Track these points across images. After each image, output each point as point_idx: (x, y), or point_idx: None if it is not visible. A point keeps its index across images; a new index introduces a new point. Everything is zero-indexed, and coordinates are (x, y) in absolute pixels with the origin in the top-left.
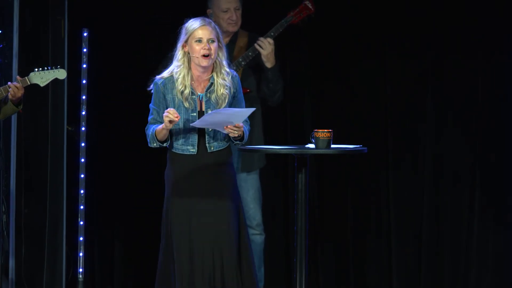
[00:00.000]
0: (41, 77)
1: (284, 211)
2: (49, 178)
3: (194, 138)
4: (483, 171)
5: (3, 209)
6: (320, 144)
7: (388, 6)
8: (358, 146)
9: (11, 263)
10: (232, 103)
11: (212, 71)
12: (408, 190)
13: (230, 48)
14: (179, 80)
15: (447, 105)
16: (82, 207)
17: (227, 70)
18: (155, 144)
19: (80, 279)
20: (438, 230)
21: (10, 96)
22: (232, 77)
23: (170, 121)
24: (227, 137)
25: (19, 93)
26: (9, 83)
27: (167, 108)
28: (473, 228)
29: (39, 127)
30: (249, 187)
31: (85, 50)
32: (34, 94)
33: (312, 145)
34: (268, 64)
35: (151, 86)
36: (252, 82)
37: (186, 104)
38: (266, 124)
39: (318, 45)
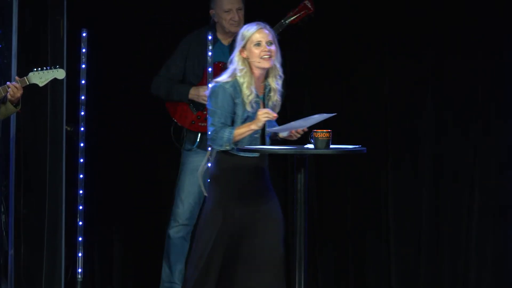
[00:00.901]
0: (40, 77)
1: (283, 212)
2: (48, 178)
3: (257, 141)
4: (482, 171)
5: (2, 209)
6: (319, 144)
7: (388, 6)
8: (357, 146)
9: (10, 263)
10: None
11: (266, 76)
12: (408, 190)
13: (232, 48)
14: (245, 84)
15: (447, 105)
16: (81, 207)
17: (281, 74)
18: (228, 147)
19: (79, 279)
20: (437, 230)
21: (9, 96)
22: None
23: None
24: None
25: (18, 93)
26: (8, 83)
27: (234, 112)
28: (472, 228)
29: (38, 127)
30: None
31: (84, 50)
32: (33, 94)
33: (311, 145)
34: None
35: (213, 89)
36: None
37: (249, 108)
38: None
39: (318, 45)
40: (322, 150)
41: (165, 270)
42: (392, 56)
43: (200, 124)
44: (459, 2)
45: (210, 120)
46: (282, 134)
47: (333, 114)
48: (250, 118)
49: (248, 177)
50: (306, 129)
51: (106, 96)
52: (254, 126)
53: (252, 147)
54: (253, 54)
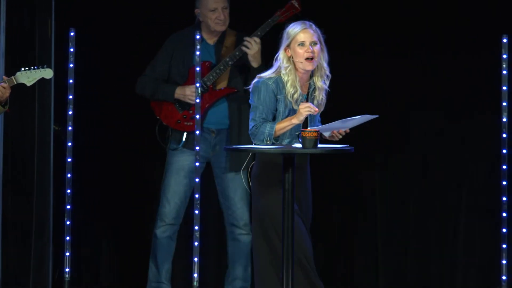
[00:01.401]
0: (28, 77)
1: None
2: (36, 177)
3: (296, 138)
4: (470, 170)
5: None
6: (307, 143)
7: (375, 4)
8: (345, 145)
9: None
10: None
11: (312, 75)
12: (395, 189)
13: (218, 47)
14: (289, 82)
15: (435, 104)
16: (68, 206)
17: (328, 73)
18: (268, 142)
19: (66, 279)
20: (425, 228)
21: None
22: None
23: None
24: None
25: (6, 93)
26: None
27: (275, 108)
28: (459, 226)
29: (26, 126)
30: (236, 186)
31: (72, 49)
32: (21, 94)
33: (299, 145)
34: (255, 64)
35: (255, 84)
36: (239, 82)
37: (295, 106)
38: None
39: None
40: (310, 150)
41: (152, 270)
42: (380, 55)
43: (185, 123)
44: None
45: (251, 115)
46: (325, 134)
47: (376, 116)
48: (291, 115)
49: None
50: (348, 131)
51: (93, 95)
52: (295, 120)
53: (239, 146)
54: (297, 54)
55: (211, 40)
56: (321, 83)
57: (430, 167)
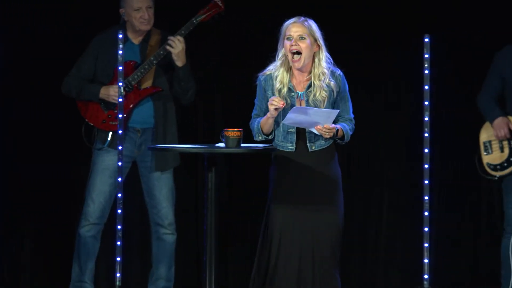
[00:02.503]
0: None
1: (195, 211)
2: None
3: (293, 135)
4: (391, 169)
5: None
6: (230, 143)
7: (295, 2)
8: (268, 145)
9: None
10: (336, 102)
11: (311, 72)
12: None
13: (143, 46)
14: (278, 78)
15: (357, 101)
16: None
17: (325, 71)
18: (260, 137)
19: None
20: (347, 227)
21: None
22: (335, 77)
23: (276, 109)
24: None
25: None
26: None
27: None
28: (381, 226)
29: None
30: (162, 185)
31: None
32: None
33: (222, 144)
34: (179, 63)
35: (256, 82)
36: (164, 81)
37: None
38: (179, 122)
39: (229, 43)
40: (233, 149)
41: (75, 270)
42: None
43: (111, 123)
44: None
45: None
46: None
47: (337, 111)
48: (282, 110)
49: (283, 172)
50: (331, 126)
51: (17, 95)
52: (269, 114)
53: (162, 146)
54: (285, 48)
55: (136, 40)
56: (319, 82)
57: (353, 166)
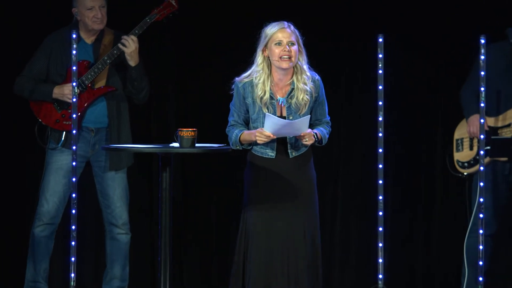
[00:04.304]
0: None
1: (150, 211)
2: None
3: (273, 142)
4: (345, 166)
5: None
6: (185, 143)
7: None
8: (222, 145)
9: None
10: (313, 107)
11: (292, 76)
12: None
13: (96, 46)
14: (259, 85)
15: None
16: None
17: (308, 74)
18: (238, 147)
19: None
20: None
21: None
22: (314, 81)
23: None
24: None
25: None
26: None
27: (246, 110)
28: (336, 225)
29: None
30: (116, 185)
31: None
32: None
33: (176, 144)
34: (132, 63)
35: (232, 87)
36: (117, 81)
37: (265, 110)
38: (132, 122)
39: (183, 42)
40: (187, 149)
41: (29, 270)
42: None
43: (64, 122)
44: None
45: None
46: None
47: (308, 117)
48: (262, 117)
49: (261, 176)
50: (307, 131)
51: None
52: (254, 138)
53: (116, 146)
54: (273, 53)
55: (89, 39)
56: (302, 85)
57: None
